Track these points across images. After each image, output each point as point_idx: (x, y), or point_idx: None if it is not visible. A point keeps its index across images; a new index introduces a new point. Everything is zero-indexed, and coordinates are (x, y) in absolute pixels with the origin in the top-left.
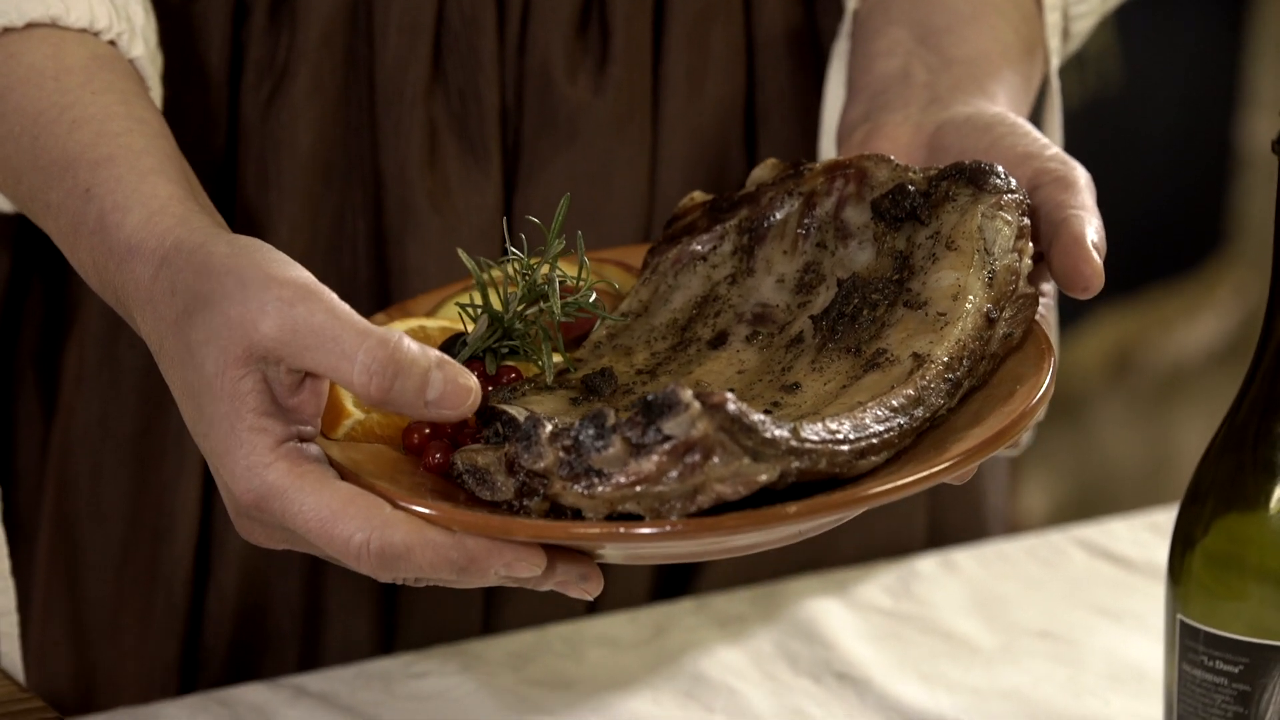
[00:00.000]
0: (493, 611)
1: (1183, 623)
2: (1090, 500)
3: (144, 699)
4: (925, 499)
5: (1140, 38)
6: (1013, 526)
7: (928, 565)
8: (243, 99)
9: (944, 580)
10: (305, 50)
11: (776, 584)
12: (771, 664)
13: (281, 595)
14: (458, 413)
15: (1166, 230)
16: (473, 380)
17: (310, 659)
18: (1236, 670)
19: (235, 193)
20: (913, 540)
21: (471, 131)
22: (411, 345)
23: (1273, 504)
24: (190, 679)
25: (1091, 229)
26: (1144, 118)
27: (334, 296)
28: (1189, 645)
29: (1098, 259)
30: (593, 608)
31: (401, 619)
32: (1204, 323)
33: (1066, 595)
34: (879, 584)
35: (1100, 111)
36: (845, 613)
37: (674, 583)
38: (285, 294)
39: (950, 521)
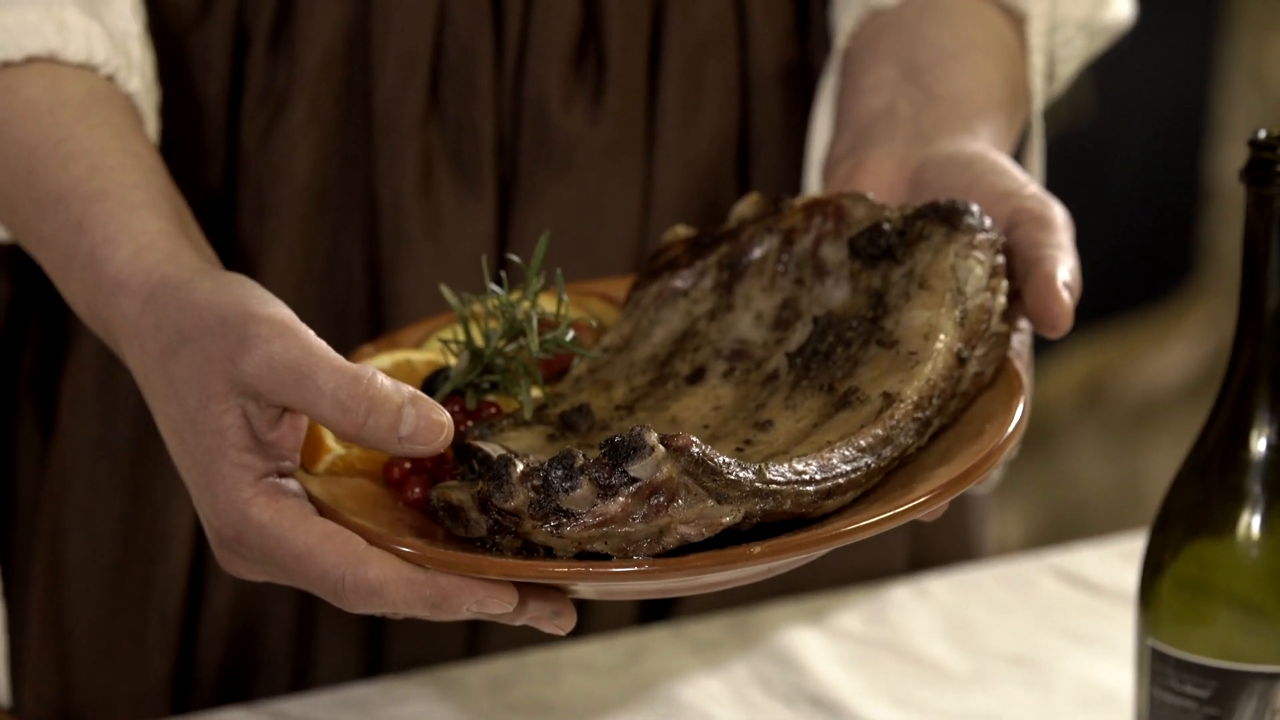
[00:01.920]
0: (478, 634)
1: (1153, 648)
2: (1063, 528)
3: (136, 719)
4: (907, 528)
5: (1111, 70)
6: (989, 554)
7: (901, 592)
8: (241, 126)
9: (917, 606)
10: (304, 78)
11: (751, 610)
12: (746, 689)
13: (274, 618)
14: (430, 448)
15: (1137, 261)
16: (445, 416)
17: (301, 681)
18: (1206, 694)
19: (232, 220)
20: (893, 568)
21: (466, 161)
22: (385, 381)
23: (1240, 529)
24: (183, 700)
25: (1064, 268)
26: (1114, 149)
27: (311, 333)
28: (1159, 670)
29: (1067, 299)
30: (577, 633)
31: (389, 642)
32: (1174, 352)
33: (1038, 621)
34: (853, 610)
35: (1071, 143)
36: (819, 638)
37: (656, 610)
38: (263, 330)
39: (933, 549)
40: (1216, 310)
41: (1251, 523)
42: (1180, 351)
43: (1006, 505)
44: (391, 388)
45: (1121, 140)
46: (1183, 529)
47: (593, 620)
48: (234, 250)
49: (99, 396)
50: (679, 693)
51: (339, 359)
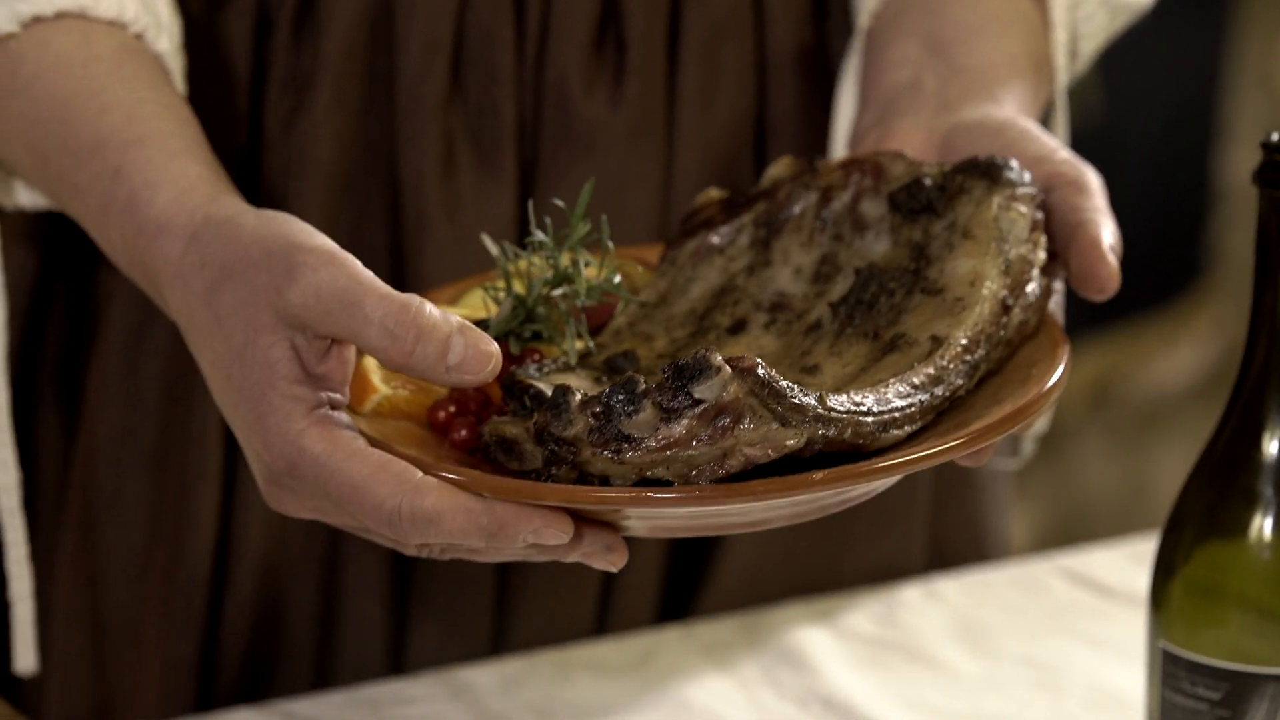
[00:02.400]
0: (502, 628)
1: (1164, 650)
2: (1070, 529)
3: (161, 703)
4: (925, 524)
5: (1120, 71)
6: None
7: (912, 593)
8: (265, 111)
9: (928, 608)
10: (327, 63)
11: (763, 611)
12: (757, 690)
13: (297, 601)
14: (478, 378)
15: (1145, 262)
16: (493, 346)
17: (325, 666)
18: (1218, 696)
19: (255, 204)
20: (912, 561)
21: (487, 144)
22: (433, 310)
23: (1252, 531)
24: (207, 683)
25: (1107, 231)
26: (1123, 151)
27: (357, 263)
28: (1170, 672)
29: (1114, 261)
30: (601, 628)
31: (411, 632)
32: (1183, 354)
33: (1049, 623)
34: (864, 611)
35: (1080, 144)
36: (830, 640)
37: (671, 610)
38: (310, 260)
39: (950, 547)
40: (1225, 312)
41: (1263, 525)
42: (1188, 353)
43: (1014, 506)
44: (440, 317)
45: (1129, 142)
46: (1194, 531)
47: (606, 618)
48: None
49: (124, 382)
50: (690, 694)
51: (386, 287)
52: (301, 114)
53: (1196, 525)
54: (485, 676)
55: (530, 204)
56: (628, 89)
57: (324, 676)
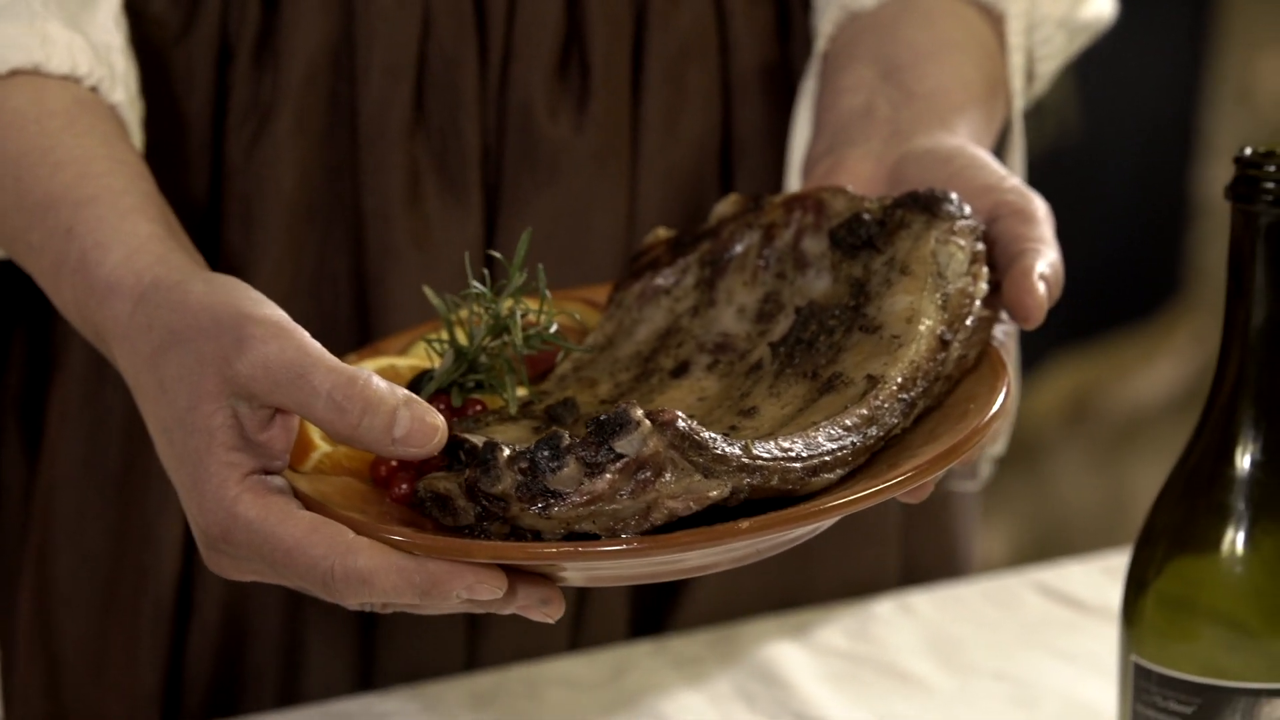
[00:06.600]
0: (473, 648)
1: (1136, 664)
2: (1048, 544)
3: None
4: (897, 541)
5: (1098, 87)
6: (975, 568)
7: (885, 607)
8: (226, 140)
9: (901, 622)
10: (288, 91)
11: (735, 626)
12: (729, 704)
13: (262, 631)
14: (424, 450)
15: (1124, 277)
16: (439, 419)
17: (289, 695)
18: (1189, 711)
19: (219, 233)
20: (885, 578)
21: (452, 170)
22: (380, 383)
23: (1224, 546)
24: (172, 712)
25: (1043, 261)
26: (1102, 166)
27: (306, 334)
28: (1142, 686)
29: (1042, 291)
30: (573, 645)
31: (380, 656)
32: (1161, 369)
33: (1021, 637)
34: (837, 626)
35: (1058, 160)
36: (803, 654)
37: (644, 626)
38: (258, 331)
39: (922, 565)
40: (1203, 327)
41: (1235, 539)
42: (1167, 368)
43: (992, 522)
44: (386, 389)
45: (1109, 156)
46: (1167, 545)
47: (578, 635)
48: (220, 263)
49: (86, 413)
50: (662, 708)
51: (334, 360)
52: (263, 142)
53: (1168, 540)
54: (457, 691)
55: (467, 256)
56: (592, 111)
57: (289, 701)
